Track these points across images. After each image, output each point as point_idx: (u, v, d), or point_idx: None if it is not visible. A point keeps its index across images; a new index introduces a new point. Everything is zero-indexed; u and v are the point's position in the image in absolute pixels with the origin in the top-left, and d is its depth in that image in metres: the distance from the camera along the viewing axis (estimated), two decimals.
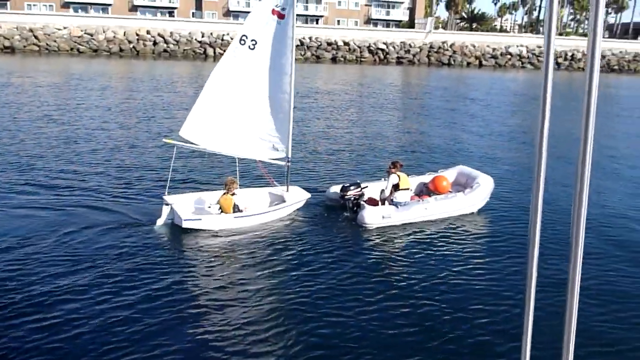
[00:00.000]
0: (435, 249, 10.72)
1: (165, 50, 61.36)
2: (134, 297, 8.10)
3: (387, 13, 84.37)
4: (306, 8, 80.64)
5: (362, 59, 66.83)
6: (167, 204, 11.03)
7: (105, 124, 21.82)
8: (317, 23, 78.79)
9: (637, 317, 8.22)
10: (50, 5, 71.47)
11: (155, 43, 61.53)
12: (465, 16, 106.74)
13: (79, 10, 71.26)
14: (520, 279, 9.26)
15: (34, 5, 70.79)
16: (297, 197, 12.17)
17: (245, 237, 10.69)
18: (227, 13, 77.44)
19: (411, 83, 47.23)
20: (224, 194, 11.08)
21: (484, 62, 70.27)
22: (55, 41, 59.11)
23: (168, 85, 34.46)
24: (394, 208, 11.80)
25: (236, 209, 11.06)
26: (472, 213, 12.66)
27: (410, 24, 79.70)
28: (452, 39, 72.69)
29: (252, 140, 11.67)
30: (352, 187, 12.21)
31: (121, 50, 60.29)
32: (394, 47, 68.68)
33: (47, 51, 58.06)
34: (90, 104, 26.24)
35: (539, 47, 75.07)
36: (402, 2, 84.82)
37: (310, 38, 66.75)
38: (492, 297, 8.69)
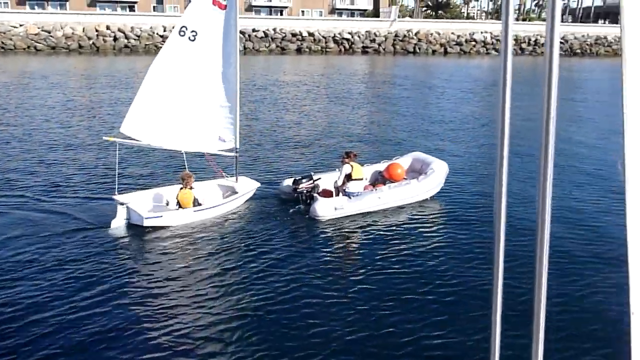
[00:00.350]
0: (388, 237, 10.72)
1: (126, 46, 59.97)
2: (93, 301, 7.85)
3: (352, 2, 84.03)
4: None
5: (328, 50, 66.49)
6: (121, 204, 10.69)
7: (47, 123, 21.07)
8: (281, 14, 78.04)
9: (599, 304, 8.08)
10: (5, 3, 69.10)
11: (115, 39, 60.07)
12: (430, 4, 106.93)
13: (36, 7, 69.08)
14: (477, 264, 9.23)
15: None
16: (247, 187, 12.23)
17: (203, 233, 10.56)
18: None
19: (372, 72, 47.15)
20: (181, 188, 10.94)
21: (449, 50, 70.64)
22: (11, 39, 57.19)
23: (123, 82, 33.62)
24: (346, 199, 11.73)
25: (196, 202, 11.00)
26: (427, 199, 12.60)
27: (375, 13, 79.56)
28: (417, 27, 72.82)
29: (197, 133, 11.53)
30: (304, 180, 12.16)
31: (80, 47, 58.69)
32: (359, 37, 68.48)
33: (2, 50, 56.16)
34: (35, 103, 25.37)
35: None
36: None
37: (274, 29, 66.04)
38: (449, 285, 8.65)
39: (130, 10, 71.78)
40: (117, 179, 11.23)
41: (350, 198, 11.73)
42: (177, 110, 11.12)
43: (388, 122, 23.16)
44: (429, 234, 10.93)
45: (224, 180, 12.42)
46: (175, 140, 11.28)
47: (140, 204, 10.92)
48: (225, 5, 11.01)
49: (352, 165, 11.85)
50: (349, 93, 31.75)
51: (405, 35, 70.28)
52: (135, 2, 74.06)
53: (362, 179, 12.08)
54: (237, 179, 12.30)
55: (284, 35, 65.94)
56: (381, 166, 13.42)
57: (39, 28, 58.83)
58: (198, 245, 10.04)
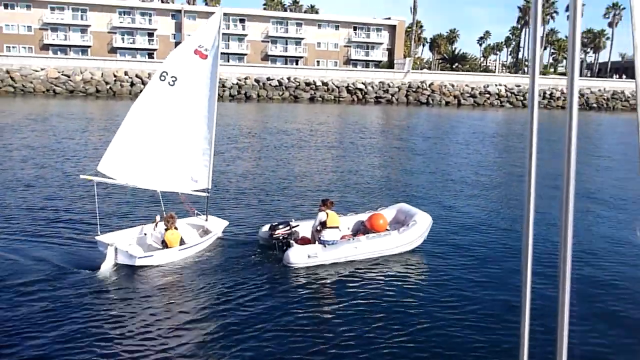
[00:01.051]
0: (360, 288, 10.21)
1: (142, 91, 61.02)
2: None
3: (367, 54, 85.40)
4: (286, 49, 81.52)
5: (341, 99, 67.05)
6: (110, 245, 10.47)
7: (23, 163, 20.74)
8: (297, 64, 79.45)
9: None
10: (29, 48, 71.65)
11: (132, 84, 61.40)
12: (446, 57, 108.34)
13: (58, 52, 71.44)
14: (447, 317, 8.59)
15: (13, 47, 70.88)
16: (218, 225, 12.32)
17: (185, 273, 10.55)
18: None
19: (379, 122, 46.80)
20: (167, 229, 11.04)
21: (462, 101, 70.74)
22: (31, 82, 58.86)
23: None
24: (321, 247, 11.24)
25: (182, 242, 11.16)
26: (408, 252, 11.89)
27: (390, 65, 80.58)
28: (431, 79, 73.40)
29: (171, 173, 11.73)
30: (281, 226, 11.84)
31: (97, 91, 60.05)
32: (372, 87, 69.12)
33: (22, 92, 57.66)
34: (23, 144, 25.23)
35: (517, 85, 75.99)
36: (381, 43, 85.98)
37: (288, 78, 67.05)
38: (414, 338, 8.13)
39: (149, 57, 73.76)
40: (98, 219, 10.90)
41: (325, 246, 11.18)
42: (153, 150, 11.32)
43: (384, 171, 22.54)
44: (403, 287, 10.32)
45: (195, 218, 12.44)
46: (150, 180, 11.44)
47: (127, 243, 10.89)
48: (206, 56, 11.50)
49: (327, 213, 11.44)
50: (351, 142, 31.42)
51: (418, 87, 70.74)
52: (155, 50, 76.22)
53: (337, 227, 11.53)
54: (207, 218, 12.41)
55: (297, 84, 66.83)
56: (364, 216, 12.94)
57: (59, 72, 60.54)
58: (183, 285, 10.11)
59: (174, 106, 11.37)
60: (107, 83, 60.81)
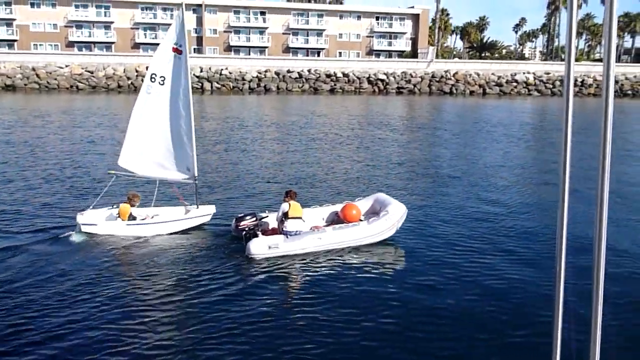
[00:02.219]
0: (317, 280, 9.93)
1: None
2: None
3: (390, 44, 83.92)
4: (307, 41, 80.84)
5: (361, 90, 66.09)
6: (80, 216, 11.95)
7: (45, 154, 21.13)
8: (318, 55, 78.74)
9: None
10: (55, 45, 73.07)
11: None
12: (475, 45, 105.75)
13: (83, 49, 72.62)
14: (412, 310, 8.01)
15: (40, 45, 72.41)
16: (195, 213, 12.64)
17: (133, 252, 10.97)
18: (228, 48, 78.06)
19: (394, 114, 45.53)
20: (125, 202, 12.08)
21: (487, 90, 68.80)
22: (55, 79, 59.96)
23: None
24: (282, 238, 10.90)
25: (131, 217, 11.89)
26: (378, 243, 11.26)
27: (414, 54, 79.03)
28: (456, 68, 71.64)
29: (167, 164, 12.72)
30: (247, 217, 11.70)
31: (119, 86, 60.76)
32: (394, 78, 67.89)
33: (47, 89, 58.80)
34: (45, 139, 25.57)
35: (547, 73, 73.46)
36: (404, 33, 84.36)
37: (309, 70, 66.47)
38: (366, 333, 7.72)
39: None
40: (96, 202, 12.28)
41: (287, 237, 10.79)
42: (156, 145, 12.41)
43: (372, 161, 21.70)
44: (362, 277, 9.85)
45: (189, 207, 12.90)
46: (157, 171, 12.66)
47: (93, 217, 12.01)
48: (181, 51, 12.10)
49: (289, 204, 11.24)
50: (361, 132, 30.68)
51: (442, 76, 69.12)
52: None
53: (299, 218, 11.11)
54: (197, 206, 12.80)
55: (318, 75, 66.20)
56: (339, 207, 12.33)
57: (82, 69, 61.51)
58: (120, 263, 10.51)
59: (167, 103, 12.28)
60: (128, 78, 61.46)
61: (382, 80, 67.23)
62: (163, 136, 12.45)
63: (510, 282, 9.60)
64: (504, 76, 71.19)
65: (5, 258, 10.28)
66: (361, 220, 11.74)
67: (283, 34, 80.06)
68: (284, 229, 11.05)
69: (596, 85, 73.66)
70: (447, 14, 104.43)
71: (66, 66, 61.55)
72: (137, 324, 7.81)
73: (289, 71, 66.00)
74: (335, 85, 65.84)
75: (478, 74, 70.78)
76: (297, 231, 10.97)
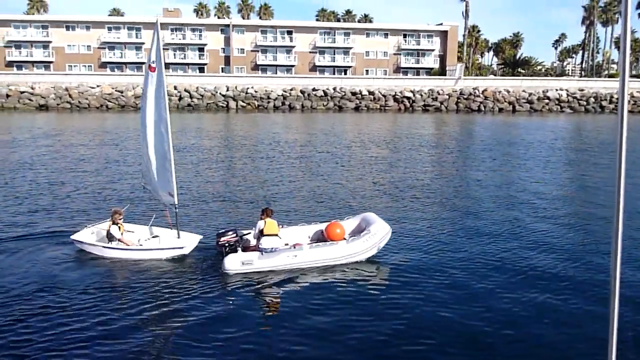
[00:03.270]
0: (287, 297, 9.63)
1: (189, 105, 62.53)
2: None
3: (417, 61, 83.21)
4: (334, 59, 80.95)
5: (387, 107, 65.49)
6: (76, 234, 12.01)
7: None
8: (345, 73, 78.68)
9: None
10: (89, 66, 75.26)
11: (180, 97, 62.88)
12: (507, 62, 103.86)
13: (115, 70, 74.53)
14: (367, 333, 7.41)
15: (74, 66, 74.68)
16: (174, 243, 12.09)
17: (113, 271, 10.78)
18: (255, 67, 78.81)
19: (406, 132, 44.80)
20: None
21: (517, 108, 67.21)
22: (87, 99, 61.56)
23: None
24: (257, 254, 10.52)
25: (110, 236, 11.70)
26: (359, 262, 10.69)
27: (442, 72, 78.07)
28: (485, 84, 70.36)
29: (156, 186, 12.50)
30: (228, 233, 11.61)
31: None
32: (421, 95, 67.09)
33: (78, 108, 60.36)
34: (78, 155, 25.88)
35: (581, 90, 71.40)
36: (432, 50, 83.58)
37: (334, 89, 66.39)
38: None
39: (200, 72, 75.47)
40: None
41: (262, 254, 10.38)
42: (153, 167, 12.30)
43: (371, 180, 21.02)
44: (334, 297, 9.40)
45: (171, 232, 12.48)
46: (154, 190, 12.63)
47: (83, 236, 12.04)
48: (155, 68, 11.78)
49: (265, 221, 10.99)
50: (396, 151, 30.06)
51: (470, 93, 67.93)
52: (205, 64, 77.98)
53: (275, 235, 10.70)
54: (178, 235, 12.28)
55: (343, 93, 66.02)
56: (323, 225, 11.88)
57: (113, 88, 63.02)
58: (115, 284, 10.24)
59: (152, 123, 12.10)
60: None
61: (408, 98, 66.53)
62: (151, 157, 12.29)
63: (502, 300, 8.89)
64: (535, 93, 69.51)
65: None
66: (344, 239, 11.24)
67: (310, 52, 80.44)
68: (259, 246, 10.75)
69: (633, 102, 71.45)
70: (479, 31, 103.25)
71: (97, 86, 63.22)
72: (106, 337, 7.78)
73: (314, 89, 66.04)
74: (360, 103, 65.48)
75: (508, 91, 69.31)
76: (272, 248, 10.67)
